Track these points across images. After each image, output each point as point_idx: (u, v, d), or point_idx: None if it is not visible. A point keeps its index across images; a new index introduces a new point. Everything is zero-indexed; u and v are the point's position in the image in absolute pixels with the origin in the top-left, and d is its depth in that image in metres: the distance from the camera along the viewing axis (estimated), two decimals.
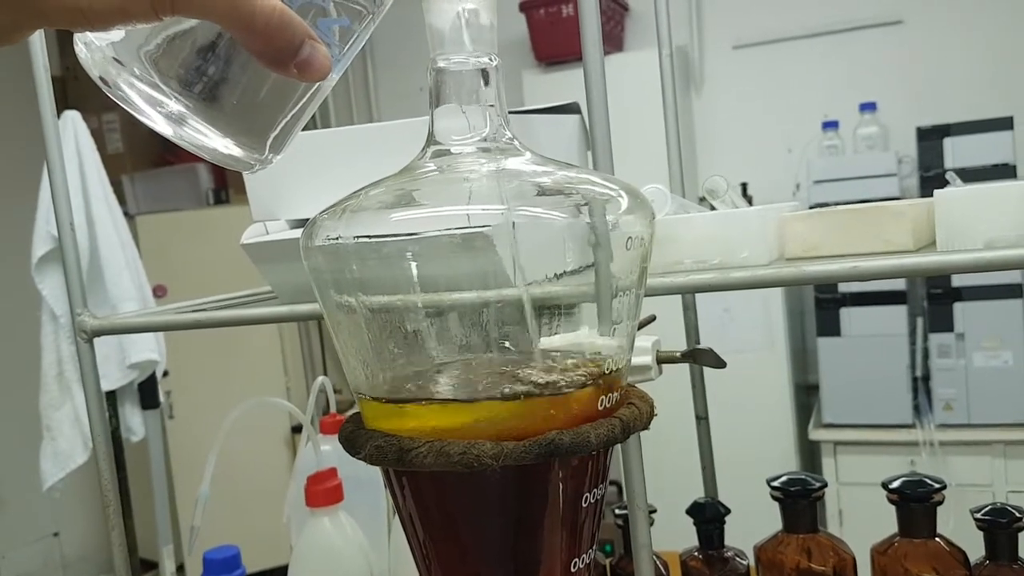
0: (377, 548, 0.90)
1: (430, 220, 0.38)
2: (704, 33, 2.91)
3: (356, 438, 0.39)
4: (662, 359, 0.80)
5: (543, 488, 0.38)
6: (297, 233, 0.79)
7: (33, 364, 2.03)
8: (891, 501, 0.75)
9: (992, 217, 0.62)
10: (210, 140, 0.36)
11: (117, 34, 0.35)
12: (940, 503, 0.74)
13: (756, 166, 2.80)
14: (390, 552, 0.93)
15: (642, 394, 0.42)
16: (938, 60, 2.67)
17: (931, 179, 2.33)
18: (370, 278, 0.38)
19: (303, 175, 0.78)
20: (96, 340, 0.87)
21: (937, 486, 0.74)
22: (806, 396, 2.72)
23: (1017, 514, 0.71)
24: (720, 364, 0.83)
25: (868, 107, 2.60)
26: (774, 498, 0.80)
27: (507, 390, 0.37)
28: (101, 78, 0.36)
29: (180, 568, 2.81)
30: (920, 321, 2.42)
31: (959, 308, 2.31)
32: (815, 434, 2.45)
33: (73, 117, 1.99)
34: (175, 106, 0.35)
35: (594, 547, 0.42)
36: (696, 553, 0.85)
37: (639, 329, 0.50)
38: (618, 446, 0.44)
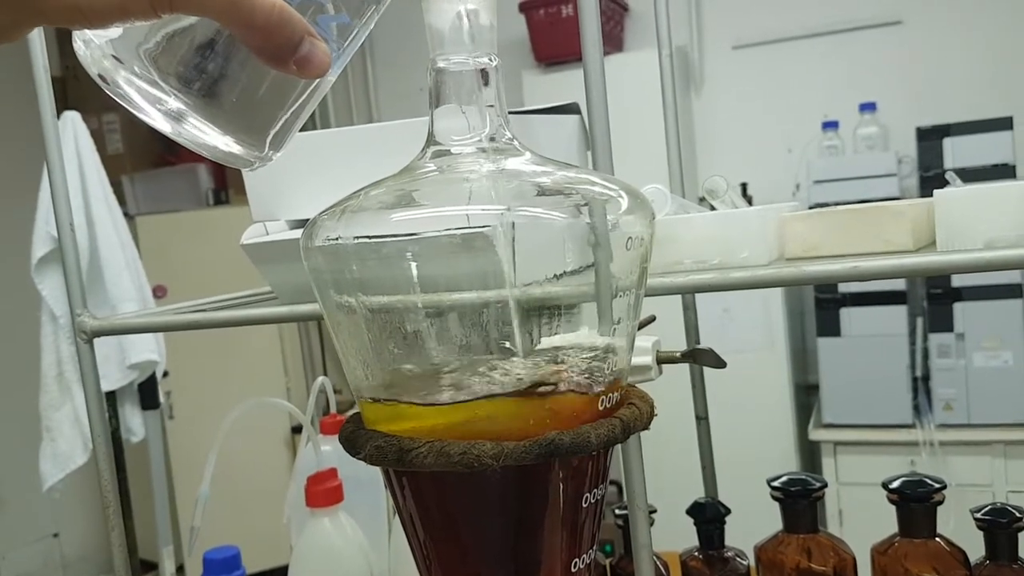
0: (377, 548, 0.90)
1: (430, 220, 0.38)
2: (704, 33, 2.91)
3: (356, 438, 0.39)
4: (662, 359, 0.80)
5: (543, 488, 0.38)
6: (297, 233, 0.79)
7: (33, 365, 2.03)
8: (891, 501, 0.75)
9: (992, 217, 0.62)
10: (210, 137, 0.36)
11: (116, 32, 0.35)
12: (940, 503, 0.74)
13: (756, 166, 2.80)
14: (390, 552, 0.93)
15: (642, 394, 0.42)
16: (938, 60, 2.67)
17: (931, 179, 2.33)
18: (370, 278, 0.38)
19: (303, 175, 0.78)
20: (96, 340, 0.87)
21: (937, 486, 0.74)
22: (806, 396, 2.72)
23: (1017, 514, 0.71)
24: (720, 364, 0.83)
25: (868, 107, 2.60)
26: (774, 498, 0.80)
27: (507, 390, 0.37)
28: (100, 76, 0.36)
29: (180, 569, 2.81)
30: (920, 321, 2.42)
31: (959, 308, 2.31)
32: (815, 434, 2.45)
33: (73, 117, 1.99)
34: (174, 103, 0.35)
35: (594, 547, 0.42)
36: (696, 553, 0.85)
37: (639, 329, 0.50)
38: (618, 446, 0.44)
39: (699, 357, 0.83)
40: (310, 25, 0.35)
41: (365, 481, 0.93)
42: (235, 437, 0.81)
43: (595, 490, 0.40)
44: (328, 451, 0.90)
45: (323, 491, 0.82)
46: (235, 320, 0.80)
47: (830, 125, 2.65)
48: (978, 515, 0.72)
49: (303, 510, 0.83)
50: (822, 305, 2.43)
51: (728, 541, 0.85)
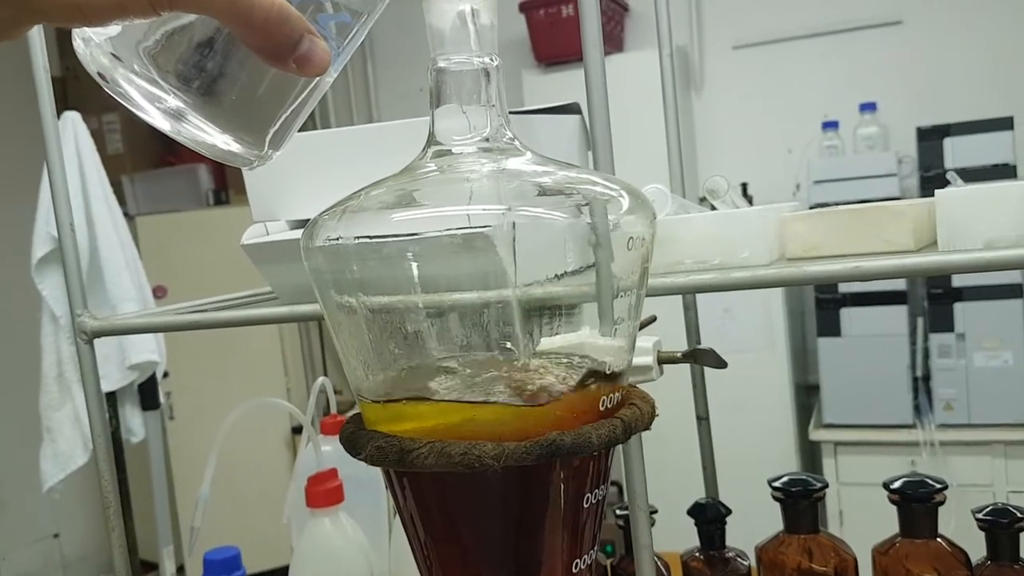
0: (378, 549, 0.90)
1: (431, 220, 0.38)
2: (704, 33, 2.91)
3: (357, 439, 0.39)
4: (663, 359, 0.80)
5: (544, 489, 0.38)
6: (297, 234, 0.79)
7: (33, 365, 2.03)
8: (892, 501, 0.75)
9: (992, 217, 0.62)
10: (209, 136, 0.36)
11: (115, 30, 0.35)
12: (941, 503, 0.74)
13: (756, 166, 2.80)
14: (391, 553, 0.93)
15: (643, 394, 0.42)
16: (938, 60, 2.67)
17: (931, 179, 2.33)
18: (371, 278, 0.38)
19: (303, 175, 0.78)
20: (96, 341, 0.87)
21: (938, 486, 0.74)
22: (806, 396, 2.72)
23: (1018, 514, 0.71)
24: (721, 364, 0.83)
25: (868, 107, 2.60)
26: (775, 498, 0.80)
27: (508, 391, 0.37)
28: (99, 74, 0.36)
29: (180, 569, 2.81)
30: (920, 321, 2.42)
31: (959, 308, 2.31)
32: (815, 434, 2.45)
33: (73, 118, 1.99)
34: (174, 102, 0.35)
35: (595, 548, 0.42)
36: (697, 554, 0.85)
37: (640, 329, 0.50)
38: (619, 447, 0.44)
39: (700, 357, 0.83)
40: (310, 23, 0.35)
41: (366, 481, 0.93)
42: (235, 437, 0.81)
43: (596, 490, 0.40)
44: (328, 451, 0.90)
45: (323, 491, 0.82)
46: (235, 320, 0.80)
47: (830, 125, 2.65)
48: (979, 515, 0.72)
49: (303, 510, 0.83)
50: (822, 305, 2.43)
51: (729, 541, 0.85)
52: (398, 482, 0.40)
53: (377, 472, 0.70)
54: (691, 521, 0.85)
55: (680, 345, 0.87)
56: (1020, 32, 2.59)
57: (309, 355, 3.13)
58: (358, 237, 0.38)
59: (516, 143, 0.41)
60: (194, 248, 2.82)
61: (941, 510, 0.74)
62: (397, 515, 0.83)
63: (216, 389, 2.72)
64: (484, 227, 0.37)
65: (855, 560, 0.78)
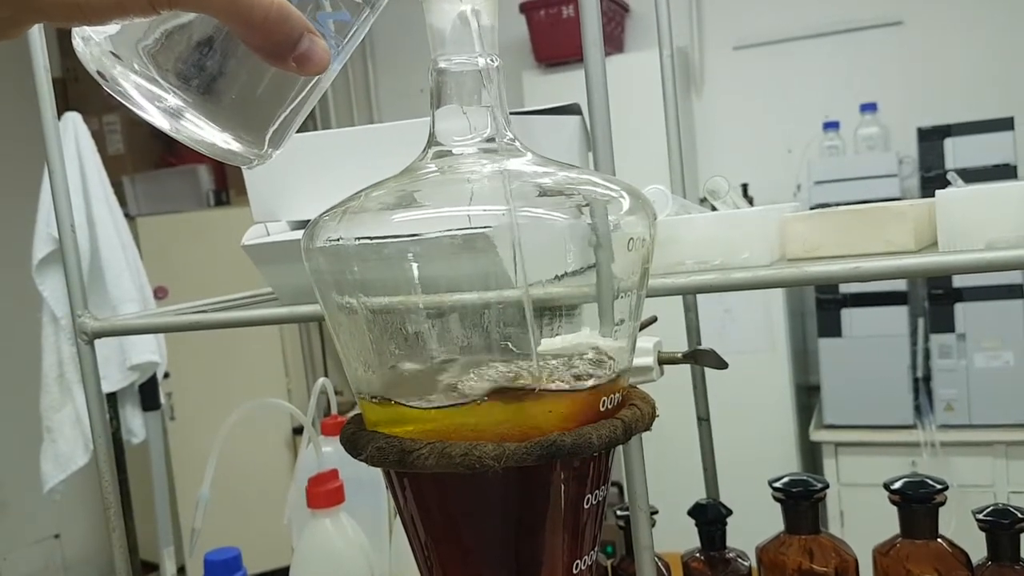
0: (378, 550, 0.90)
1: (431, 221, 0.38)
2: (704, 34, 2.91)
3: (358, 439, 0.39)
4: (663, 360, 0.80)
5: (545, 490, 0.38)
6: (298, 234, 0.78)
7: (34, 366, 2.03)
8: (893, 502, 0.75)
9: (993, 218, 0.62)
10: (208, 135, 0.36)
11: (115, 28, 0.35)
12: (942, 504, 0.74)
13: (757, 167, 2.80)
14: (391, 554, 0.93)
15: (644, 395, 0.42)
16: (938, 60, 2.67)
17: (932, 179, 2.33)
18: (371, 279, 0.38)
19: (304, 176, 0.78)
20: (97, 342, 0.87)
21: (939, 487, 0.74)
22: (807, 397, 2.72)
23: (1019, 515, 0.71)
24: (721, 365, 0.83)
25: (869, 107, 2.60)
26: (776, 499, 0.80)
27: (508, 391, 0.37)
28: (99, 73, 0.36)
29: (181, 570, 2.81)
30: (921, 322, 2.42)
31: (960, 309, 2.31)
32: (816, 435, 2.45)
33: (74, 118, 1.99)
34: (173, 100, 0.35)
35: (596, 548, 0.42)
36: (698, 554, 0.85)
37: (640, 330, 0.50)
38: (619, 447, 0.44)
39: (700, 358, 0.83)
40: (309, 22, 0.35)
41: (366, 482, 0.93)
42: (236, 438, 0.81)
43: (596, 491, 0.40)
44: (329, 452, 0.90)
45: (324, 492, 0.82)
46: (236, 321, 0.80)
47: (831, 125, 2.65)
48: (980, 516, 0.72)
49: (304, 511, 0.83)
50: (823, 306, 2.43)
51: (729, 542, 0.85)
52: (399, 483, 0.40)
53: (378, 473, 0.70)
54: (692, 522, 0.85)
55: (681, 346, 0.87)
56: (1020, 32, 2.59)
57: (310, 356, 3.13)
58: (359, 238, 0.38)
59: (517, 144, 0.41)
60: (195, 249, 2.82)
61: (942, 511, 0.74)
62: (398, 516, 0.83)
63: (217, 390, 2.72)
64: (485, 228, 0.37)
65: (856, 561, 0.78)
